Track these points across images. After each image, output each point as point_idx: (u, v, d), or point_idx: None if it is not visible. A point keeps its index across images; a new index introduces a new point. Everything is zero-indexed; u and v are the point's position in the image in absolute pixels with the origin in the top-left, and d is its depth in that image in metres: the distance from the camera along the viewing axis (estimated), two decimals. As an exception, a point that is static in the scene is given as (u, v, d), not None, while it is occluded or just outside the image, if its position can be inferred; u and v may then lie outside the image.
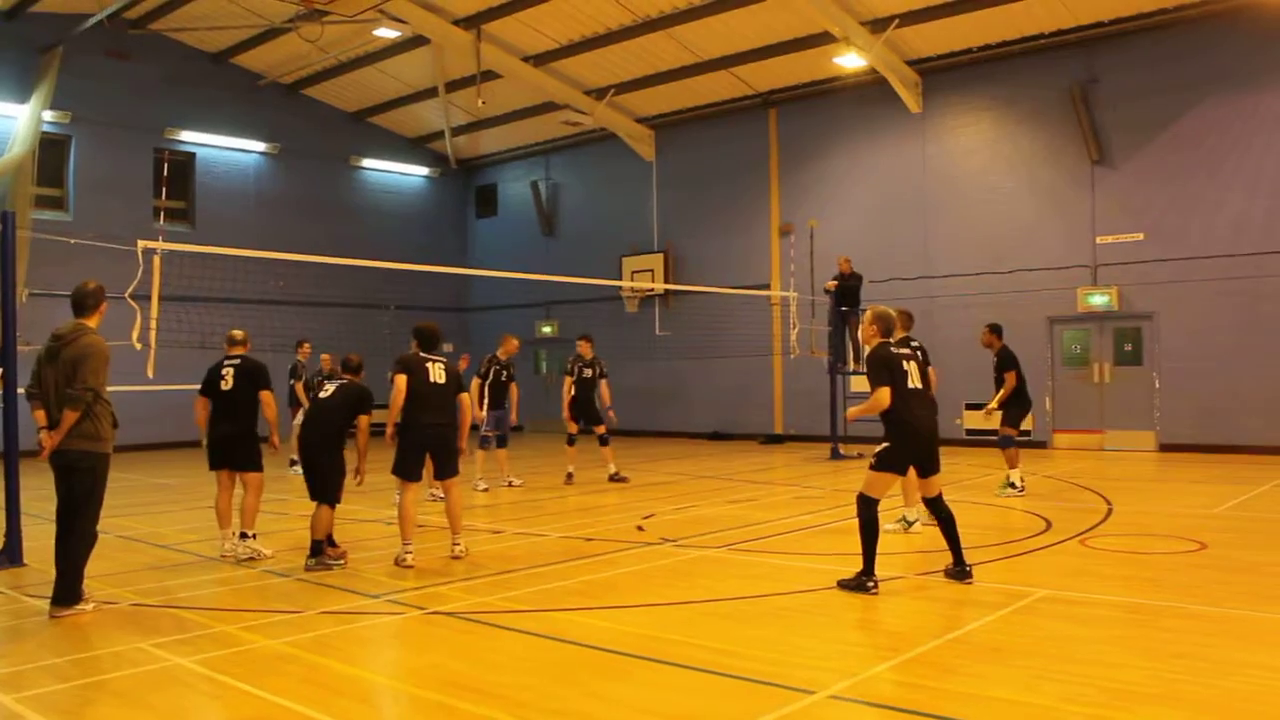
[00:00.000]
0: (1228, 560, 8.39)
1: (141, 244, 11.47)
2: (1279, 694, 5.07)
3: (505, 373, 14.42)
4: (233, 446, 9.30)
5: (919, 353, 7.96)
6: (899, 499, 10.01)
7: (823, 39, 20.08)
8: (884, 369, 7.56)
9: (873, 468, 7.57)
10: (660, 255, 25.32)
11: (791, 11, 19.45)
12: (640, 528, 10.68)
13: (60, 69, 21.58)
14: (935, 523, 7.84)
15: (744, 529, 10.51)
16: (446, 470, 9.07)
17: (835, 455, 18.49)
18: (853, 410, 8.33)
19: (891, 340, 7.81)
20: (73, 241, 18.34)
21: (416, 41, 22.92)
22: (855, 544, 7.54)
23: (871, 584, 7.36)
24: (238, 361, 9.47)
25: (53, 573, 7.20)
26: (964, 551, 7.71)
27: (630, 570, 8.55)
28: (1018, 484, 12.60)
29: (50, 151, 22.62)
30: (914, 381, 7.67)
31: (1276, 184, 17.19)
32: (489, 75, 23.18)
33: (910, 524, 9.90)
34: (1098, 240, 18.98)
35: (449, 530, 9.18)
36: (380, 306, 24.60)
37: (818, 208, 22.31)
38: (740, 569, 8.52)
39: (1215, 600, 6.93)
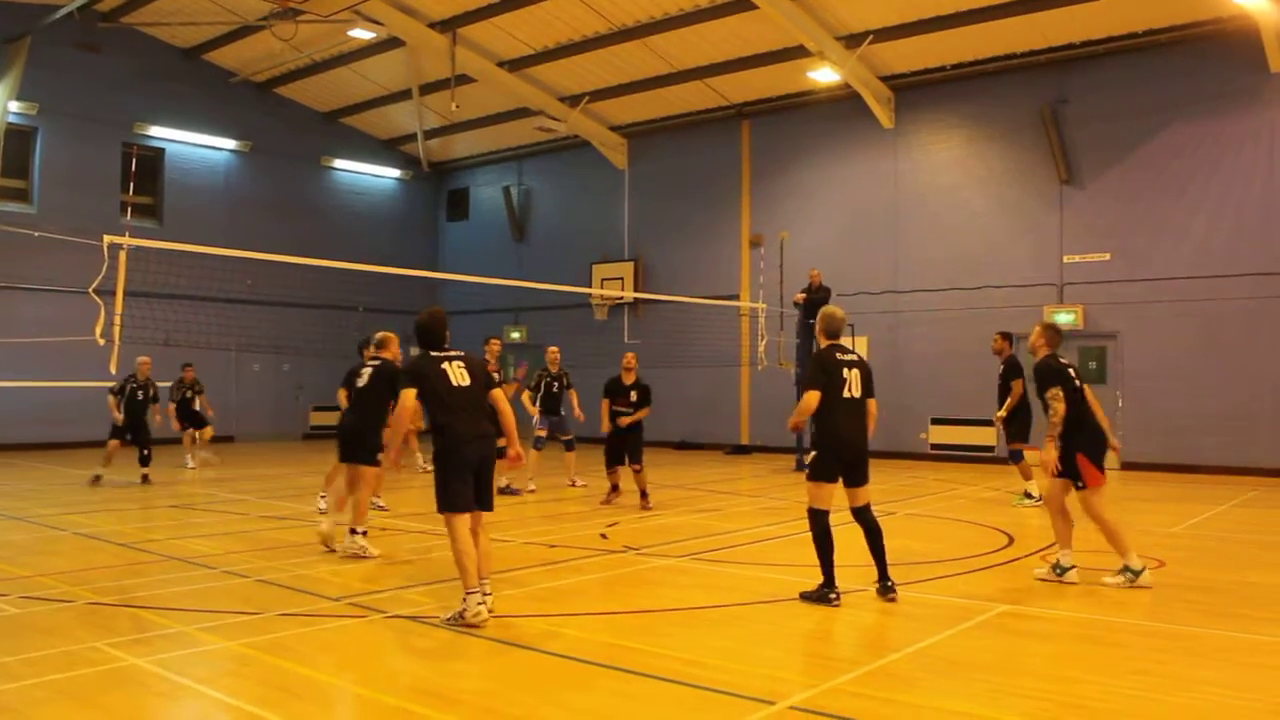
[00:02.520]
0: (1185, 578, 8.48)
1: (107, 239, 11.36)
2: (1232, 711, 5.13)
3: (557, 384, 14.81)
4: (354, 438, 9.59)
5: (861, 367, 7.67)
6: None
7: (797, 52, 20.19)
8: (820, 372, 7.46)
9: (808, 478, 7.57)
10: (631, 263, 25.34)
11: (766, 24, 19.55)
12: (604, 535, 10.66)
13: (28, 60, 21.31)
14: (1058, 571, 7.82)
15: (708, 539, 10.51)
16: (486, 499, 7.11)
17: (800, 467, 18.53)
18: (792, 419, 7.90)
19: (837, 345, 7.69)
20: (37, 235, 18.18)
21: (391, 43, 22.84)
22: (813, 555, 7.54)
23: (833, 595, 7.35)
24: (378, 363, 9.74)
25: (6, 568, 7.08)
26: (889, 568, 7.53)
27: (593, 578, 8.53)
28: (1034, 495, 12.59)
29: (15, 142, 22.33)
30: (851, 391, 7.49)
31: (1240, 208, 17.45)
32: (463, 79, 23.14)
33: (1065, 570, 8.29)
34: (1064, 259, 19.18)
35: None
36: (349, 308, 24.46)
37: (788, 220, 22.40)
38: (703, 578, 8.52)
39: (1172, 618, 7.01)
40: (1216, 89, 17.67)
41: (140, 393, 15.79)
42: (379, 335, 9.97)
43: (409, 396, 6.97)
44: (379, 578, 8.36)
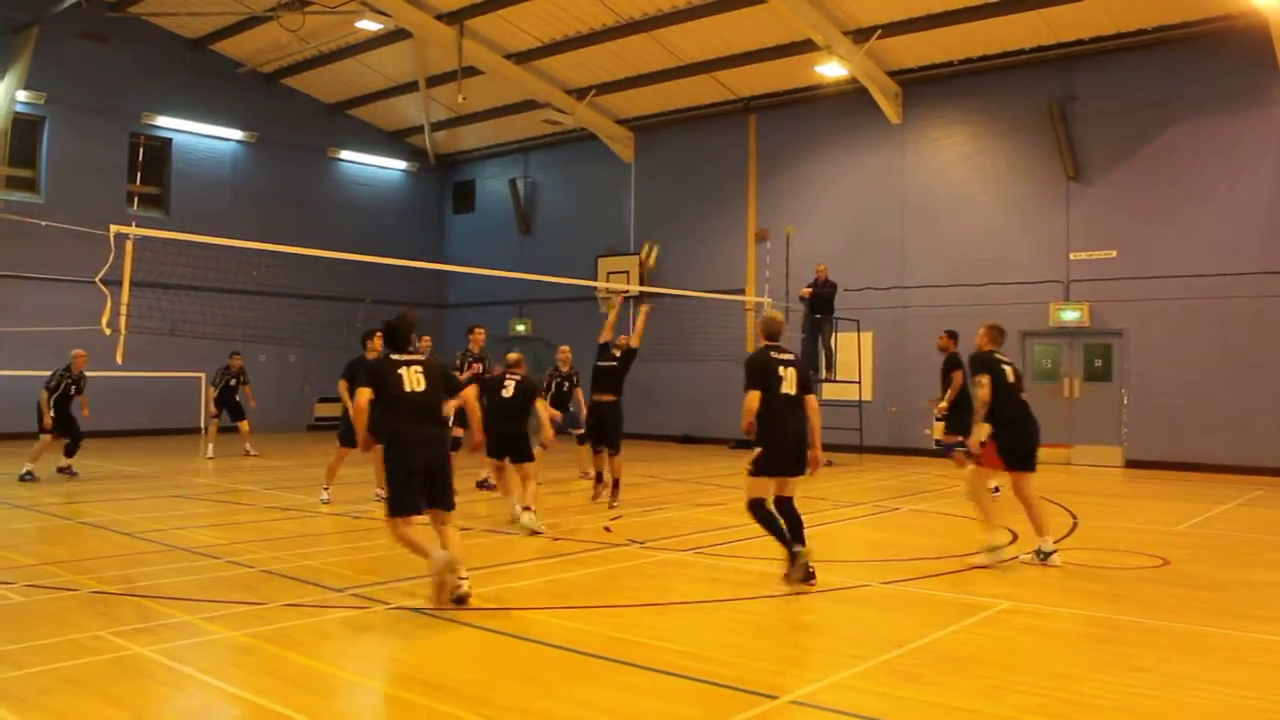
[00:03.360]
0: (1188, 577, 8.47)
1: (114, 229, 11.36)
2: (1234, 710, 5.14)
3: (567, 383, 15.06)
4: (512, 443, 10.67)
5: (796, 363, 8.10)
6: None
7: (805, 47, 20.16)
8: (758, 372, 7.88)
9: (751, 474, 7.86)
10: (636, 257, 25.31)
11: (775, 18, 19.51)
12: (608, 529, 10.67)
13: (35, 49, 21.34)
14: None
15: (711, 533, 10.53)
16: (444, 499, 7.23)
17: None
18: (744, 423, 8.02)
19: (773, 345, 8.09)
20: (44, 224, 18.20)
21: (398, 35, 22.83)
22: (819, 550, 7.89)
23: (797, 549, 7.69)
24: (519, 378, 10.90)
25: (12, 557, 7.11)
26: (799, 553, 7.70)
27: (597, 571, 8.54)
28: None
29: (23, 131, 22.38)
30: (789, 388, 7.85)
31: (1247, 206, 17.41)
32: (470, 71, 23.11)
33: (1046, 555, 8.75)
34: (1071, 256, 19.14)
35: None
36: (355, 300, 24.48)
37: (794, 215, 22.38)
38: (707, 572, 8.53)
39: (1175, 616, 7.01)
40: (1225, 86, 17.61)
41: (74, 387, 15.19)
42: (511, 356, 11.32)
43: (364, 396, 7.17)
44: (382, 569, 8.38)
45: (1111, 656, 6.02)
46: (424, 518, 7.23)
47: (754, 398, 7.74)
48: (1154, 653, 6.09)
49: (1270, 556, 9.73)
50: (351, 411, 7.89)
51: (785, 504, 7.86)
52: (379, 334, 10.18)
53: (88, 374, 15.38)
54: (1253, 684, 5.54)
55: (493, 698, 5.13)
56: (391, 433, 7.16)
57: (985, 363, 8.93)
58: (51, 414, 14.98)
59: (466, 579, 7.04)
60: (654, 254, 17.32)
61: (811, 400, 7.97)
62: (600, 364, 12.73)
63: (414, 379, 7.27)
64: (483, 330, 14.77)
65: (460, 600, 6.94)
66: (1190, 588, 8.05)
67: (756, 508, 7.83)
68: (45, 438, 15.10)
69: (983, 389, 8.77)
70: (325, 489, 12.21)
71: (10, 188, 22.10)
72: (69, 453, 15.26)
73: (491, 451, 10.76)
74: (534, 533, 10.15)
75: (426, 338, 15.15)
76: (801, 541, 7.74)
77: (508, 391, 10.78)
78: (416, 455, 7.10)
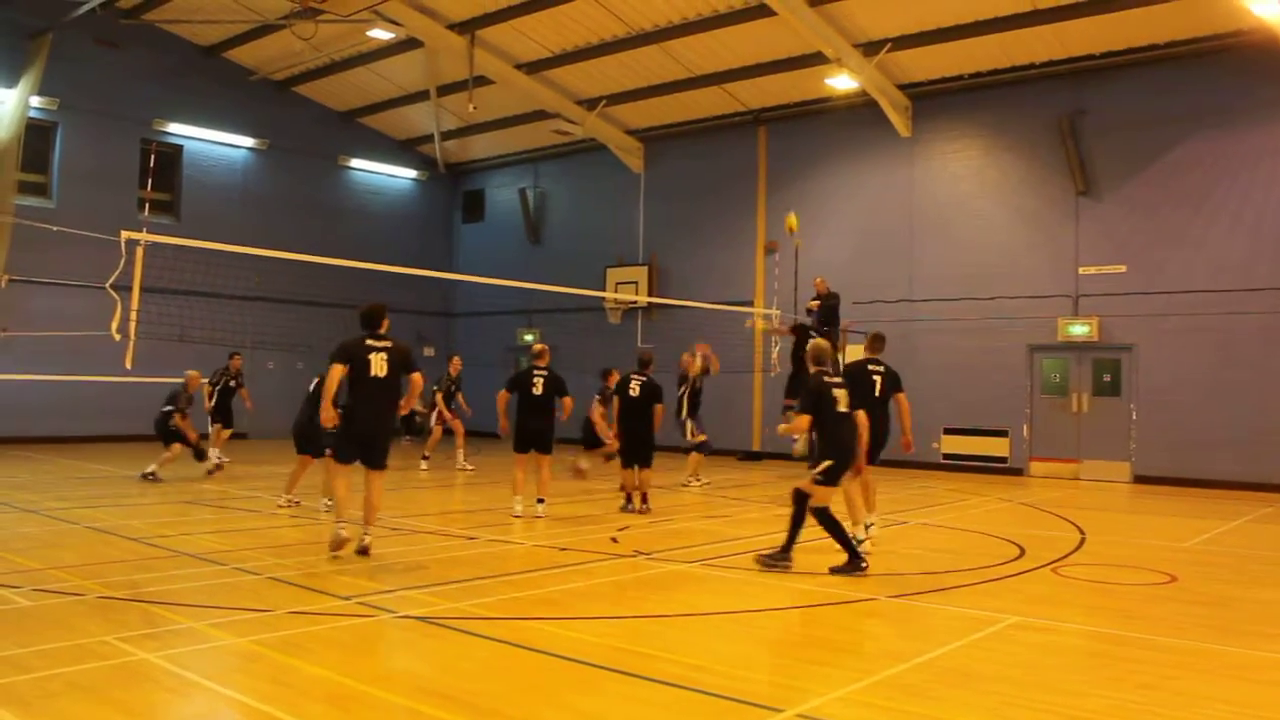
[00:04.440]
0: (1197, 594, 8.44)
1: (125, 234, 11.40)
2: (1242, 729, 5.11)
3: (454, 388, 15.90)
4: (539, 437, 11.79)
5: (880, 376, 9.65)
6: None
7: (815, 59, 20.19)
8: (812, 396, 8.76)
9: (820, 484, 8.73)
10: (645, 267, 25.34)
11: (785, 31, 19.54)
12: (614, 539, 10.66)
13: (49, 55, 21.45)
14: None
15: (718, 544, 10.51)
16: (376, 460, 9.10)
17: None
18: (785, 429, 9.62)
19: (824, 370, 8.98)
20: (55, 229, 18.28)
21: (410, 44, 22.91)
22: (824, 563, 7.91)
23: (864, 565, 8.61)
24: (545, 373, 11.75)
25: (18, 561, 7.12)
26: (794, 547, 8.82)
27: (603, 582, 8.53)
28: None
29: (36, 137, 22.48)
30: (840, 406, 8.79)
31: (1258, 222, 17.38)
32: (481, 81, 23.18)
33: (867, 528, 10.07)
34: (1080, 271, 19.12)
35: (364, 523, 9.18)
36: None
37: (803, 227, 22.29)
38: (713, 584, 8.52)
39: (1182, 633, 6.98)
40: (1236, 102, 17.60)
41: (233, 382, 17.55)
42: (537, 346, 12.28)
43: (337, 371, 8.76)
44: (388, 578, 8.37)
45: (1118, 673, 6.00)
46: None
47: (805, 421, 8.70)
48: (1161, 670, 6.06)
49: None
50: (324, 388, 9.02)
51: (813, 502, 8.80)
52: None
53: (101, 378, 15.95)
54: (1261, 703, 5.51)
55: (498, 707, 5.12)
56: (351, 407, 8.91)
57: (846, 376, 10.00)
58: (212, 403, 16.89)
59: (369, 535, 8.97)
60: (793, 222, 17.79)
61: (861, 416, 9.13)
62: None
63: (379, 364, 8.88)
64: (459, 360, 16.56)
65: (362, 551, 8.86)
66: (1198, 605, 8.02)
67: (825, 514, 8.66)
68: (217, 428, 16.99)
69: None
70: (326, 500, 12.21)
71: (23, 193, 22.17)
72: (199, 456, 16.22)
73: (518, 445, 11.88)
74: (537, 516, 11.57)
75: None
76: (795, 535, 8.82)
77: (537, 389, 11.58)
78: (363, 426, 8.94)
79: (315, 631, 6.63)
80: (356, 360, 8.81)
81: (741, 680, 5.63)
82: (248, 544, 9.81)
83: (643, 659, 6.03)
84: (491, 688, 5.48)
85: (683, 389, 16.73)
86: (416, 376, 9.38)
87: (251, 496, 13.91)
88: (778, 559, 8.83)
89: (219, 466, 16.23)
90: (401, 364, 9.08)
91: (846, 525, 9.14)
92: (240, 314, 20.14)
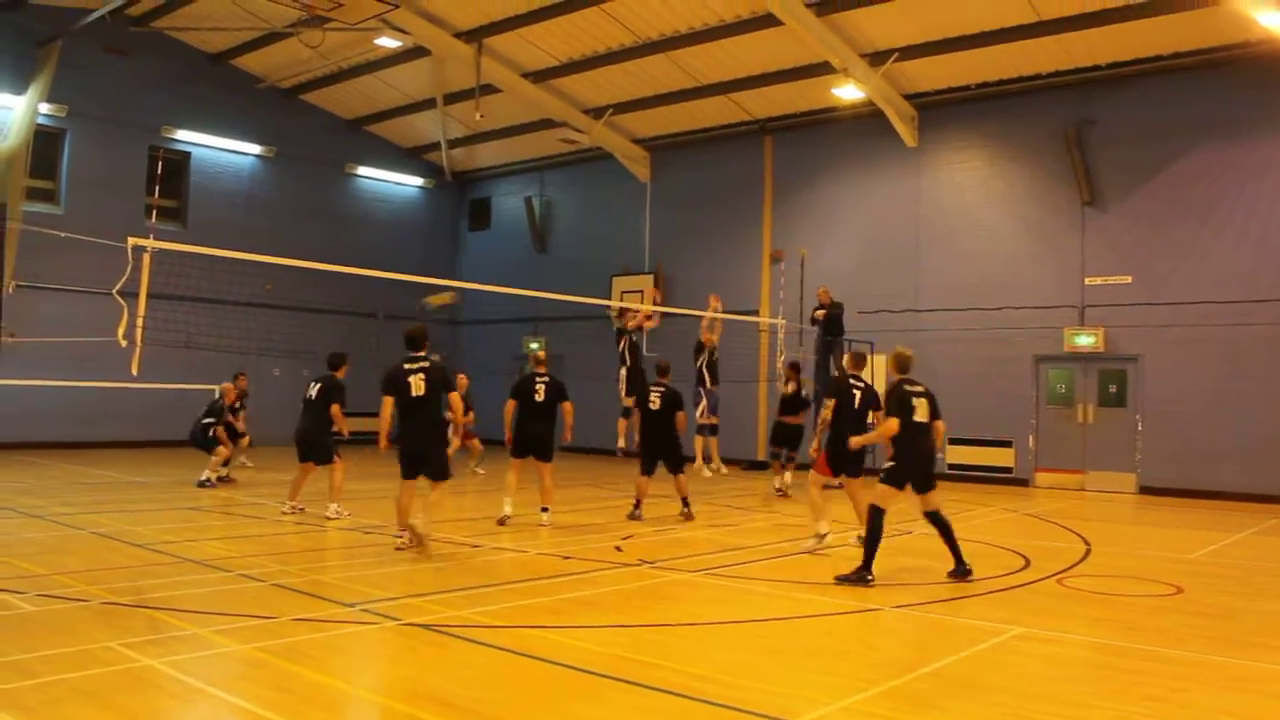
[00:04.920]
0: (1203, 606, 8.42)
1: (132, 241, 11.41)
2: (1248, 741, 5.09)
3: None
4: (539, 442, 11.77)
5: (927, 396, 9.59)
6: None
7: (822, 69, 20.20)
8: (897, 404, 9.14)
9: (883, 482, 9.08)
10: (651, 276, 25.34)
11: (791, 40, 19.56)
12: (619, 548, 10.65)
13: (58, 62, 21.53)
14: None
15: (722, 554, 10.49)
16: (430, 471, 9.92)
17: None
18: (867, 439, 9.87)
19: (906, 379, 9.40)
20: (63, 235, 18.32)
21: (417, 52, 22.96)
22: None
23: (870, 577, 8.69)
24: (547, 379, 11.78)
25: (23, 566, 7.13)
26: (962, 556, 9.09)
27: (607, 590, 8.52)
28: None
29: (44, 144, 22.55)
30: (920, 416, 9.16)
31: (1264, 233, 17.34)
32: (488, 89, 23.23)
33: (822, 537, 10.48)
34: (1086, 281, 19.09)
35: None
36: (369, 315, 24.57)
37: (809, 236, 22.38)
38: (717, 594, 8.51)
39: (1188, 645, 6.95)
40: (1243, 113, 17.58)
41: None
42: (540, 353, 12.54)
43: (387, 404, 9.72)
44: (393, 585, 8.38)
45: (1123, 684, 5.98)
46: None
47: (894, 424, 8.99)
48: (1167, 682, 6.04)
49: (1285, 586, 9.66)
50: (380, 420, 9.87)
51: (934, 516, 9.11)
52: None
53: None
54: (1267, 716, 5.49)
55: (501, 715, 5.12)
56: (400, 428, 9.81)
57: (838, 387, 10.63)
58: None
59: (428, 530, 9.72)
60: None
61: (939, 425, 9.45)
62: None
63: (418, 384, 9.65)
64: (465, 378, 16.73)
65: (417, 541, 9.64)
66: (1204, 617, 7.99)
67: (877, 514, 8.92)
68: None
69: (826, 409, 10.42)
70: (334, 508, 12.27)
71: (31, 199, 22.24)
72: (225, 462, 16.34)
73: (516, 450, 11.94)
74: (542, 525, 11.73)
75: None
76: (955, 547, 9.10)
77: (539, 395, 11.68)
78: (410, 444, 9.85)
79: (319, 639, 6.63)
80: (399, 385, 9.66)
81: (746, 690, 5.62)
82: (252, 550, 9.82)
83: (647, 668, 6.02)
84: (495, 696, 5.48)
85: (700, 360, 16.67)
86: (453, 396, 10.34)
87: (256, 503, 13.92)
88: (857, 576, 8.77)
89: (212, 483, 15.76)
90: (440, 382, 9.88)
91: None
92: (246, 320, 20.15)
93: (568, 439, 12.10)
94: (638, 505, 12.90)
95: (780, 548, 10.93)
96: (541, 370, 12.10)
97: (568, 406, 11.99)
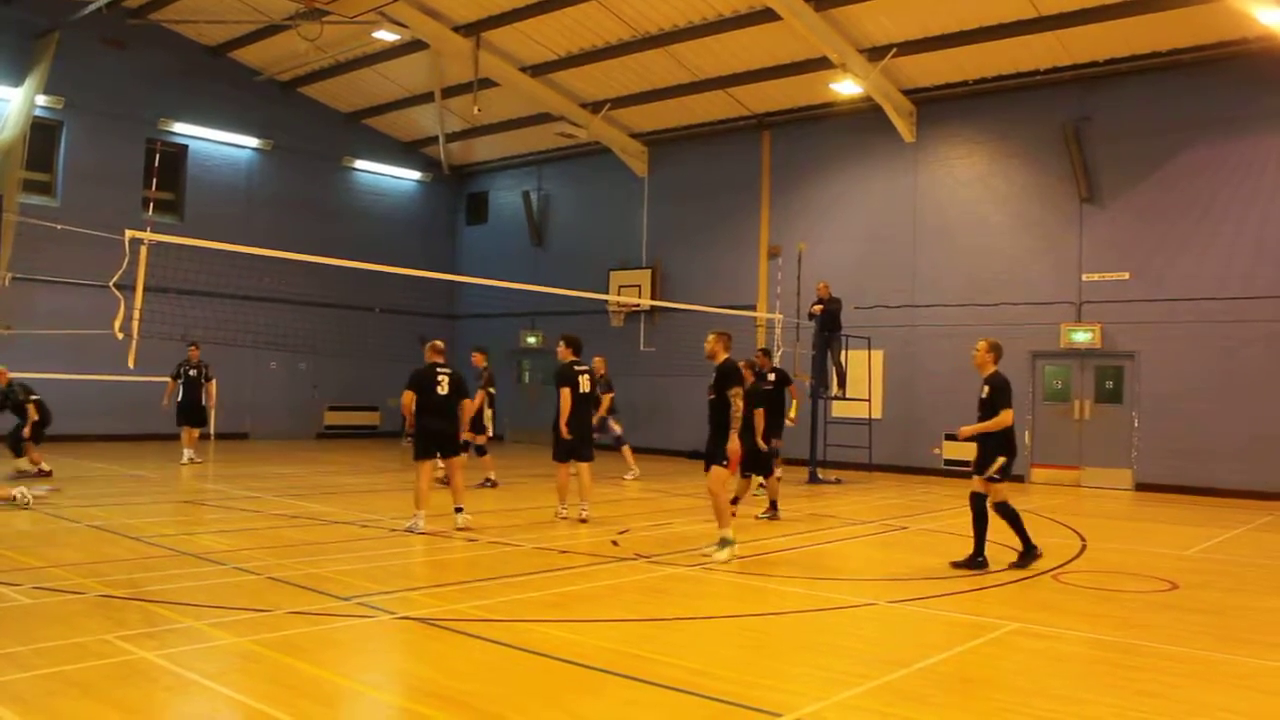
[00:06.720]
0: (1198, 602, 8.43)
1: (129, 234, 11.41)
2: (1243, 737, 5.09)
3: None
4: (446, 439, 11.29)
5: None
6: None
7: (820, 64, 20.19)
8: (1010, 394, 9.48)
9: (996, 480, 9.45)
10: (648, 271, 25.35)
11: (790, 35, 19.55)
12: (615, 542, 10.66)
13: (55, 54, 21.47)
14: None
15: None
16: (448, 450, 11.23)
17: (813, 479, 18.51)
18: (977, 429, 9.62)
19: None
20: (59, 227, 18.30)
21: (415, 46, 22.93)
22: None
23: (981, 559, 9.42)
24: (449, 371, 11.42)
25: (19, 558, 7.12)
26: (984, 546, 9.55)
27: (603, 584, 8.52)
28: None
29: (41, 136, 22.51)
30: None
31: (1261, 230, 17.35)
32: (486, 83, 23.20)
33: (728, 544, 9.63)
34: (1083, 277, 19.09)
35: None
36: (366, 309, 24.57)
37: (807, 231, 22.37)
38: (714, 588, 8.51)
39: (1183, 641, 6.96)
40: (1241, 109, 17.58)
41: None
42: (439, 344, 12.03)
43: (409, 396, 10.92)
44: (389, 579, 8.37)
45: (1119, 680, 5.98)
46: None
47: (1009, 415, 9.37)
48: (1162, 678, 6.05)
49: (1281, 583, 9.67)
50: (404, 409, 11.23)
51: (1003, 506, 9.56)
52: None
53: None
54: (1262, 712, 5.50)
55: (497, 709, 5.12)
56: (421, 422, 11.03)
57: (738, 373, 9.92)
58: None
59: (462, 511, 11.13)
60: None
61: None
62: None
63: (443, 385, 11.00)
64: (481, 355, 16.32)
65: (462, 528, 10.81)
66: (1199, 613, 8.00)
67: (1006, 508, 9.45)
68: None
69: (739, 399, 9.50)
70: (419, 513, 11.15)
71: (27, 191, 22.19)
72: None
73: (420, 451, 11.37)
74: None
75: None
76: (1021, 533, 9.63)
77: (442, 389, 11.33)
78: (432, 426, 10.99)
79: (315, 632, 6.63)
80: (426, 383, 10.98)
81: (740, 684, 5.62)
82: (248, 544, 9.81)
83: (643, 662, 6.02)
84: (490, 690, 5.48)
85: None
86: (466, 402, 11.39)
87: (252, 497, 13.91)
88: (972, 562, 9.42)
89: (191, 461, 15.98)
90: (458, 387, 11.18)
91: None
92: (243, 313, 20.14)
93: (461, 438, 11.50)
94: (733, 500, 11.86)
95: (776, 543, 10.93)
96: (442, 361, 11.25)
97: (467, 404, 11.45)
